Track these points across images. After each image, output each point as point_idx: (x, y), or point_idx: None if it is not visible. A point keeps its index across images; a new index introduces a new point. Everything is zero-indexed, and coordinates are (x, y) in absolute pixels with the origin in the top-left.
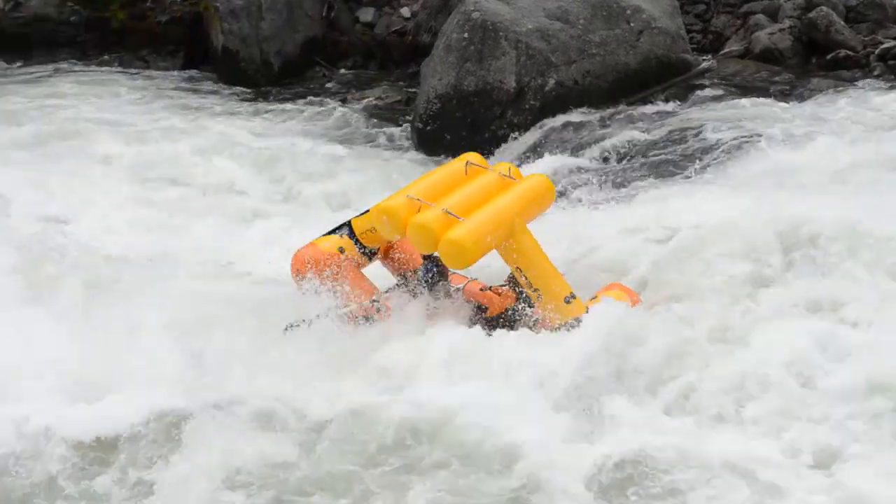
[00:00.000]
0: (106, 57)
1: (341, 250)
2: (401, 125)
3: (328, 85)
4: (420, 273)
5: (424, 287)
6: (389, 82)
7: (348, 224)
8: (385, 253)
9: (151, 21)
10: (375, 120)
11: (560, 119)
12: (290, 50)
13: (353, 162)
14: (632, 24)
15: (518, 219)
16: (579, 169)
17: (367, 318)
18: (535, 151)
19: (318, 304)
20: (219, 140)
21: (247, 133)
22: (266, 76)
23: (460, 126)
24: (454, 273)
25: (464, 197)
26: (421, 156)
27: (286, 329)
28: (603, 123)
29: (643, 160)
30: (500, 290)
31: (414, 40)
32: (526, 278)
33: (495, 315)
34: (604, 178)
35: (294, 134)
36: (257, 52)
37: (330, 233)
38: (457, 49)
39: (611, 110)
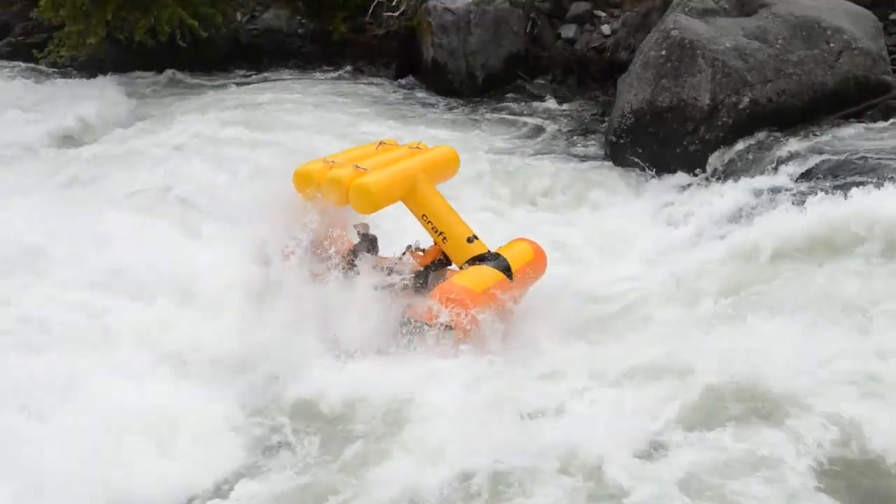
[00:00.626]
0: (326, 66)
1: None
2: (595, 137)
3: (528, 97)
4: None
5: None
6: (586, 96)
7: None
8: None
9: (369, 35)
10: (571, 131)
11: (753, 137)
12: (494, 63)
13: (549, 167)
14: (831, 45)
15: (422, 174)
16: (772, 189)
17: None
18: (728, 168)
19: None
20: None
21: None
22: (471, 87)
23: (652, 141)
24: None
25: (374, 161)
26: (613, 168)
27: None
28: (797, 142)
29: (837, 180)
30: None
31: (612, 56)
32: (431, 223)
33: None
34: (796, 196)
35: (496, 141)
36: (464, 65)
37: None
38: (654, 66)
39: (805, 129)
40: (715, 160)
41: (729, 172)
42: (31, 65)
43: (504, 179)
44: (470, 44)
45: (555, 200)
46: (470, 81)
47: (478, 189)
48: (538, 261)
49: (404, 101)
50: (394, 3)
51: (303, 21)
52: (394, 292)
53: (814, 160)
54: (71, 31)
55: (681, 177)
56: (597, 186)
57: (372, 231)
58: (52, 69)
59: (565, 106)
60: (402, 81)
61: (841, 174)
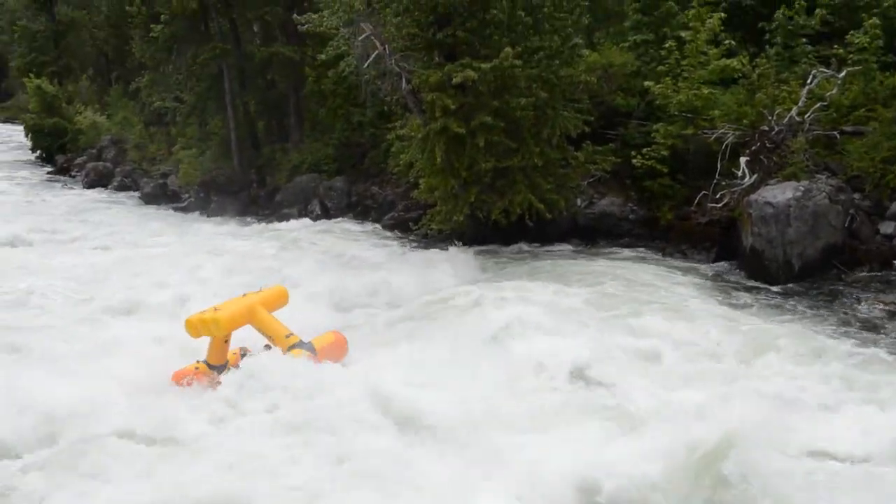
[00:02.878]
0: (651, 246)
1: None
2: None
3: (842, 286)
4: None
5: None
6: None
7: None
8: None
9: (692, 222)
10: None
11: None
12: (810, 253)
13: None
14: None
15: (258, 305)
16: None
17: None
18: None
19: None
20: (751, 334)
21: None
22: (786, 274)
23: None
24: None
25: (229, 302)
26: None
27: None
28: None
29: None
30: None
31: None
32: (264, 332)
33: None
34: None
35: (808, 330)
36: (781, 253)
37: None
38: None
39: None
40: None
41: None
42: (402, 235)
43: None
44: (788, 234)
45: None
46: (786, 268)
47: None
48: (337, 343)
49: (721, 280)
50: (717, 196)
51: (634, 208)
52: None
53: None
54: (441, 209)
55: None
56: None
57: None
58: (419, 239)
59: (881, 295)
60: (719, 265)
61: None
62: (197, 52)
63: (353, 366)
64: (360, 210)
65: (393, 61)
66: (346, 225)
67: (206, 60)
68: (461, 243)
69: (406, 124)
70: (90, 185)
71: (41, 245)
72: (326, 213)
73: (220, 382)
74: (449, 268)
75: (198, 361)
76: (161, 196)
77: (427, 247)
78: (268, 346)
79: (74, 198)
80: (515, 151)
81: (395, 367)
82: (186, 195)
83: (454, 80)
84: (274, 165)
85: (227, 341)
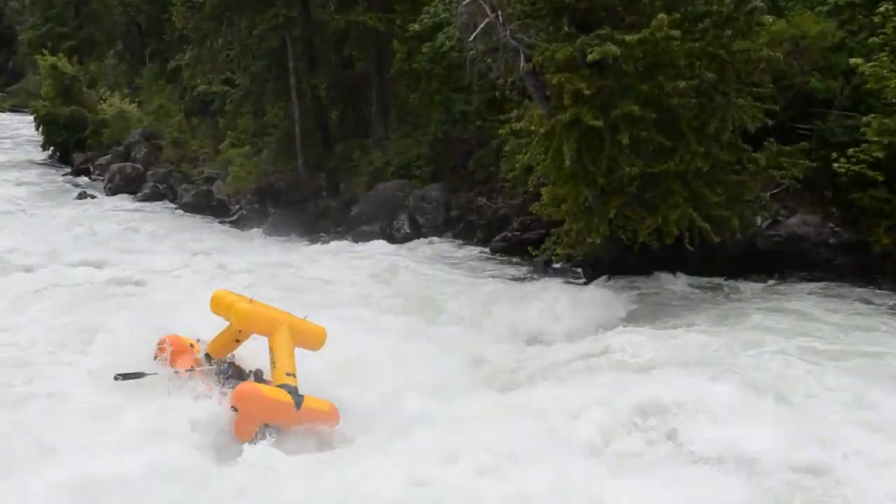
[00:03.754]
0: (860, 284)
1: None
2: None
3: None
4: (220, 369)
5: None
6: None
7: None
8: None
9: None
10: None
11: None
12: None
13: None
14: None
15: (286, 325)
16: None
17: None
18: None
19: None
20: None
21: None
22: None
23: None
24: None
25: (268, 308)
26: None
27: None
28: None
29: None
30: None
31: None
32: (272, 354)
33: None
34: None
35: None
36: None
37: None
38: None
39: None
40: None
41: None
42: (518, 261)
43: None
44: None
45: None
46: None
47: None
48: (330, 414)
49: None
50: None
51: (835, 229)
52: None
53: None
54: (571, 228)
55: None
56: None
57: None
58: (538, 267)
59: None
60: None
61: None
62: (254, 21)
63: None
64: (461, 228)
65: (508, 32)
66: (444, 247)
67: (266, 32)
68: (596, 274)
69: (524, 115)
70: (114, 192)
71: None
72: (417, 231)
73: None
74: (579, 310)
75: (197, 340)
76: (204, 207)
77: (550, 277)
78: (259, 376)
79: (91, 209)
80: (671, 152)
81: None
82: (237, 206)
83: (589, 56)
84: (350, 168)
85: (238, 340)
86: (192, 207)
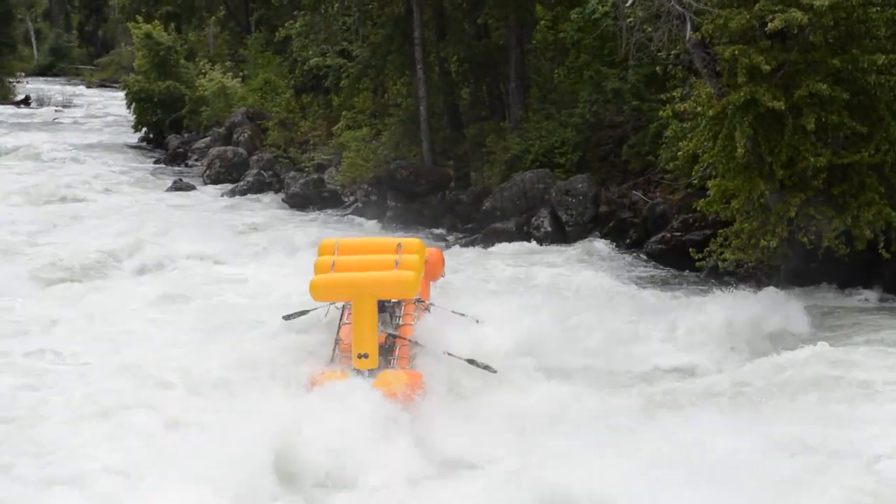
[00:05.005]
0: None
1: None
2: None
3: None
4: None
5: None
6: None
7: None
8: None
9: None
10: None
11: None
12: None
13: None
14: None
15: (367, 291)
16: None
17: None
18: None
19: None
20: None
21: None
22: None
23: None
24: None
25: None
26: None
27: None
28: None
29: None
30: None
31: None
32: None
33: None
34: None
35: None
36: None
37: None
38: None
39: None
40: None
41: None
42: (677, 268)
43: None
44: None
45: None
46: None
47: None
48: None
49: None
50: None
51: None
52: None
53: None
54: (742, 228)
55: None
56: None
57: None
58: (703, 274)
59: None
60: None
61: None
62: None
63: None
64: (611, 227)
65: None
66: (591, 248)
67: None
68: (772, 283)
69: (690, 95)
70: (213, 180)
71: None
72: (561, 231)
73: None
74: (762, 322)
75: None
76: (314, 198)
77: (717, 285)
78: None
79: (188, 200)
80: (866, 139)
81: None
82: (352, 198)
83: (769, 25)
84: (482, 155)
85: None
86: (301, 199)
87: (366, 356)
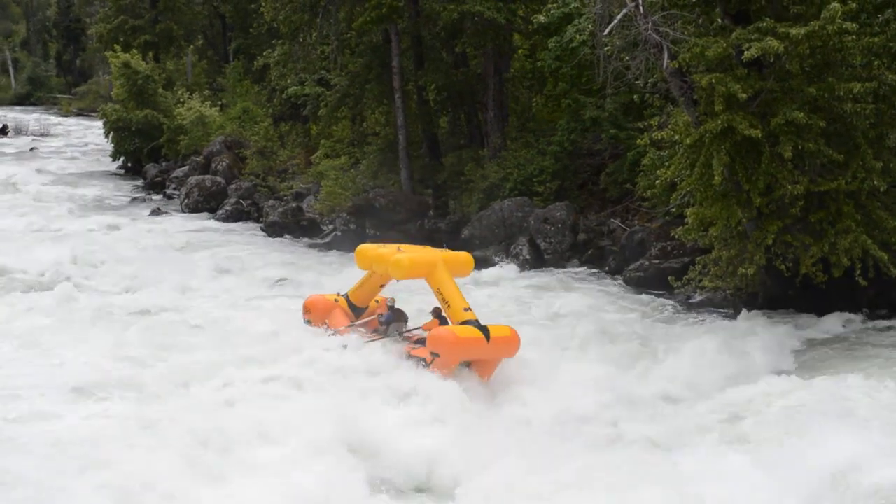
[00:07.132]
0: None
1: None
2: None
3: None
4: (382, 317)
5: (384, 326)
6: None
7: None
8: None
9: None
10: None
11: None
12: None
13: None
14: None
15: (441, 262)
16: None
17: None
18: None
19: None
20: None
21: None
22: None
23: None
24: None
25: (412, 248)
26: None
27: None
28: None
29: None
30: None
31: None
32: (441, 295)
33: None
34: None
35: None
36: None
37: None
38: None
39: None
40: None
41: None
42: (657, 294)
43: None
44: None
45: None
46: None
47: None
48: (512, 339)
49: None
50: None
51: None
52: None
53: None
54: (721, 255)
55: None
56: None
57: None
58: (682, 302)
59: None
60: None
61: None
62: (353, 12)
63: None
64: (590, 254)
65: (650, 25)
66: (570, 276)
67: (368, 24)
68: (750, 310)
69: (667, 123)
70: (192, 208)
71: None
72: (539, 259)
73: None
74: (739, 348)
75: (338, 294)
76: (292, 226)
77: (696, 313)
78: (438, 313)
79: (165, 225)
80: (842, 167)
81: None
82: (330, 226)
83: (746, 53)
84: (460, 184)
85: (382, 285)
86: (279, 227)
87: (469, 308)
